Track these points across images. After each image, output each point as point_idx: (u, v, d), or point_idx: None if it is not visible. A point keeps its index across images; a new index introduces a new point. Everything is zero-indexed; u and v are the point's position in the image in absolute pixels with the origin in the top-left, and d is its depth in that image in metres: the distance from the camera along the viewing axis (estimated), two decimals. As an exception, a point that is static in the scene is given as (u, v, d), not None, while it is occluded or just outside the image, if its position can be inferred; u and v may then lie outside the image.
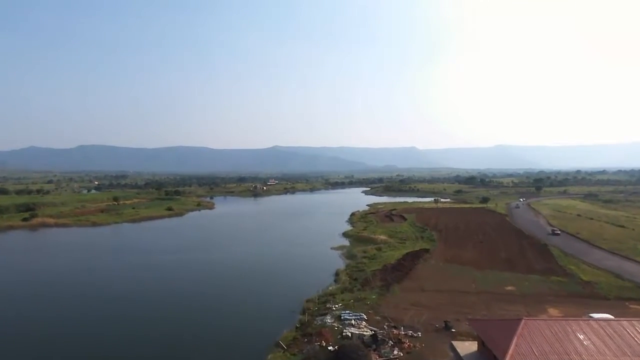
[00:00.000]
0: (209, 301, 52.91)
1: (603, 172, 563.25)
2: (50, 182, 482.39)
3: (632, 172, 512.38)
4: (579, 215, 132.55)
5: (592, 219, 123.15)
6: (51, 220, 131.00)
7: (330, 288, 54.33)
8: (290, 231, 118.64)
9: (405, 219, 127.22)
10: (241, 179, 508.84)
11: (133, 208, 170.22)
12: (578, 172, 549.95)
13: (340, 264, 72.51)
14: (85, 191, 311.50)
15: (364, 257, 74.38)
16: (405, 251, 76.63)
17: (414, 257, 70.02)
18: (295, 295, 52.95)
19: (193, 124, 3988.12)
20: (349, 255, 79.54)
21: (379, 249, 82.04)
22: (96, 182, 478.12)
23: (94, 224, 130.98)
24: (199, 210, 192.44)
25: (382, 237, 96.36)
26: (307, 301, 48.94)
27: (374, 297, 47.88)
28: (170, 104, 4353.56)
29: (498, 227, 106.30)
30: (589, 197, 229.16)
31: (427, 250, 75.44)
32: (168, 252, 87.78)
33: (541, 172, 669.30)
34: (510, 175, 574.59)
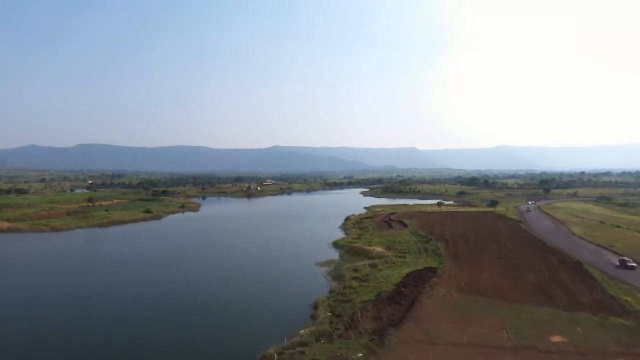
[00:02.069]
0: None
1: (607, 173, 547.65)
2: (43, 180, 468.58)
3: (637, 174, 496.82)
4: (602, 222, 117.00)
5: (618, 226, 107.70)
6: (4, 225, 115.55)
7: (302, 332, 38.92)
8: (273, 239, 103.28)
9: (405, 226, 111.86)
10: (238, 179, 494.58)
11: (106, 210, 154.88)
12: (582, 173, 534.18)
13: (323, 287, 57.16)
14: (69, 191, 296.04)
15: (354, 279, 58.98)
16: (406, 270, 61.32)
17: (417, 280, 54.66)
18: (255, 341, 37.70)
19: (194, 123, 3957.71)
20: (336, 274, 64.16)
21: (374, 266, 66.72)
22: (89, 182, 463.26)
23: (53, 229, 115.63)
24: (182, 212, 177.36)
25: (378, 248, 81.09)
26: (262, 359, 33.63)
27: (360, 355, 32.59)
28: (170, 104, 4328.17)
29: (514, 237, 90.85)
30: (601, 200, 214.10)
31: (433, 270, 60.01)
32: (96, 269, 71.38)
33: (543, 173, 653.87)
34: (513, 176, 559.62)
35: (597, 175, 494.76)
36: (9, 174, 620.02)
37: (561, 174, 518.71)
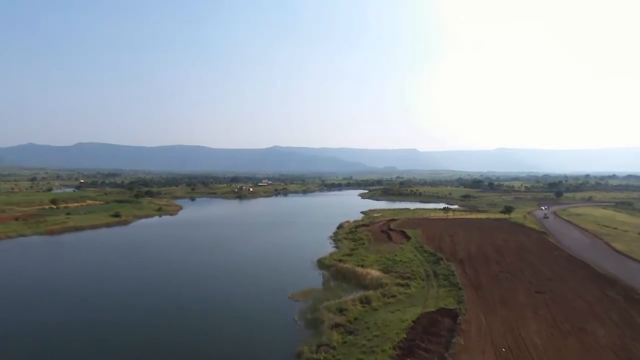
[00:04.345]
0: None
1: (613, 176, 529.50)
2: (34, 179, 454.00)
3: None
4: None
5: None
6: None
7: None
8: (244, 256, 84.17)
9: (407, 238, 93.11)
10: (234, 179, 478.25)
11: (67, 214, 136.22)
12: (587, 176, 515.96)
13: (289, 343, 38.51)
14: (45, 190, 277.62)
15: (337, 327, 40.37)
16: (411, 313, 42.86)
17: (429, 336, 36.08)
18: None
19: (194, 123, 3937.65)
20: (312, 317, 45.24)
21: (367, 303, 48.12)
22: (81, 180, 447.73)
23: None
24: (159, 216, 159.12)
25: (374, 272, 62.42)
26: None
27: None
28: (170, 103, 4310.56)
29: (547, 257, 72.05)
30: (621, 205, 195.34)
31: (452, 315, 41.39)
32: None
33: (546, 175, 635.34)
34: (515, 179, 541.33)
35: (602, 178, 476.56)
36: (3, 172, 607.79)
37: (565, 177, 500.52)
